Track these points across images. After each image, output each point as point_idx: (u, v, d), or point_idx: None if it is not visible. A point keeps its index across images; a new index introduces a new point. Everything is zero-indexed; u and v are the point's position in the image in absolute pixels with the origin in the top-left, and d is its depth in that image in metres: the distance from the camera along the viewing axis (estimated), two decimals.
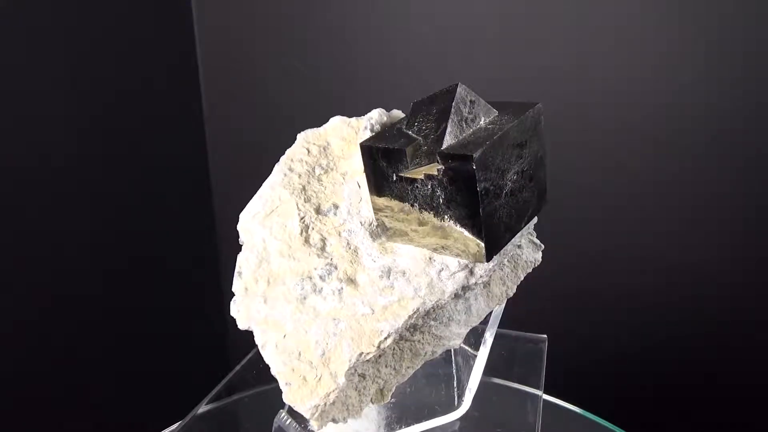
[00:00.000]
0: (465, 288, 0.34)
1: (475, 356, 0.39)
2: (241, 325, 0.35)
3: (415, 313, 0.33)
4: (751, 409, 0.67)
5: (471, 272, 0.34)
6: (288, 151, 0.41)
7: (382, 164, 0.33)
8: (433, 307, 0.33)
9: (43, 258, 0.68)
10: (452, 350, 0.43)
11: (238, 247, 0.37)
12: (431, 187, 0.32)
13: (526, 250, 0.39)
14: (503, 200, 0.32)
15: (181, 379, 0.75)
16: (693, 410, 0.69)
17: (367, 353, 0.32)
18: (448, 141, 0.31)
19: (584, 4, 0.62)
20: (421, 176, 0.32)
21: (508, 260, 0.38)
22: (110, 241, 0.75)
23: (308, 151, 0.40)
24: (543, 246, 0.40)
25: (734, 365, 0.66)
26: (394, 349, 0.35)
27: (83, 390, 0.72)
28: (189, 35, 0.79)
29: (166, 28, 0.79)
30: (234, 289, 0.37)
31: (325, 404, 0.32)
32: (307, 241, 0.36)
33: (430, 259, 0.34)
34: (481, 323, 0.40)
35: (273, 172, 0.40)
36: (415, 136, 0.33)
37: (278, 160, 0.39)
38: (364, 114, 0.38)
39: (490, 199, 0.31)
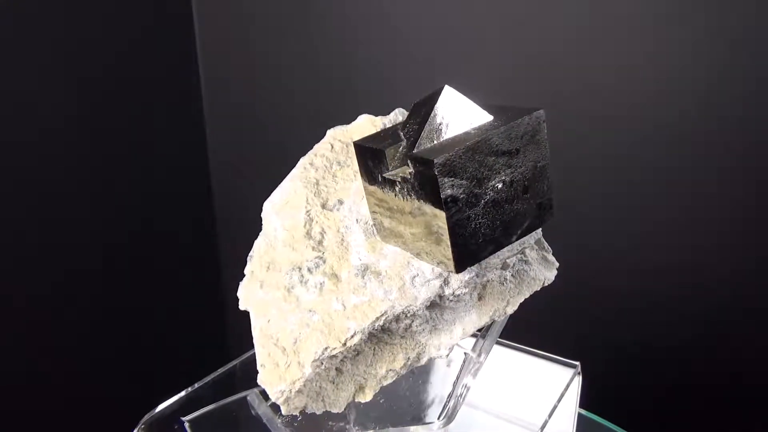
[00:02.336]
0: (442, 297, 0.33)
1: (477, 369, 0.38)
2: (241, 306, 0.38)
3: (383, 315, 0.32)
4: (753, 411, 0.63)
5: (446, 282, 0.33)
6: (316, 146, 0.42)
7: (370, 164, 0.33)
8: (404, 313, 0.33)
9: (44, 257, 0.68)
10: (464, 360, 0.41)
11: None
12: (407, 190, 0.31)
13: (535, 266, 0.37)
14: (481, 210, 0.30)
15: (180, 376, 0.77)
16: (694, 411, 0.66)
17: (333, 348, 0.32)
18: (421, 144, 0.30)
19: (586, 4, 0.60)
20: (399, 178, 0.31)
21: (512, 275, 0.36)
22: (110, 240, 0.75)
23: (332, 147, 0.41)
24: (558, 264, 0.37)
25: (737, 366, 0.62)
26: (374, 349, 0.35)
27: (85, 388, 0.74)
28: (189, 35, 0.78)
29: (166, 28, 0.78)
30: (245, 271, 0.39)
31: (291, 391, 0.33)
32: (308, 233, 0.37)
33: (407, 263, 0.33)
34: (485, 336, 0.38)
35: (297, 165, 0.41)
36: (403, 137, 0.32)
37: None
38: (363, 114, 0.39)
39: (460, 207, 0.30)
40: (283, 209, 0.39)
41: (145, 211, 0.79)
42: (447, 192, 0.29)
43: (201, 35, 0.78)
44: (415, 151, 0.30)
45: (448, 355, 0.36)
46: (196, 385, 0.40)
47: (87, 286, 0.74)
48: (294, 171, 0.41)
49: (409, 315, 0.33)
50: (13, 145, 0.65)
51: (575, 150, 0.64)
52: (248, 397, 0.36)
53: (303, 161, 0.41)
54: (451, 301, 0.34)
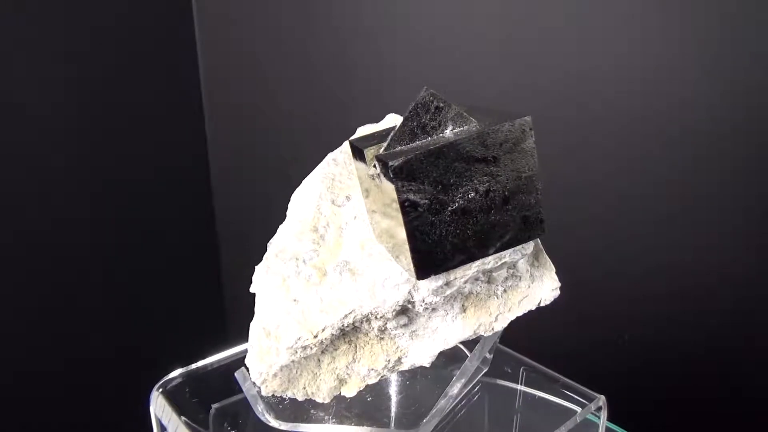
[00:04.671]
0: (413, 303, 0.32)
1: (465, 381, 0.36)
2: (251, 288, 0.40)
3: (351, 313, 0.33)
4: (755, 412, 0.62)
5: (416, 288, 0.32)
6: (345, 142, 0.43)
7: (360, 162, 0.33)
8: (372, 313, 0.33)
9: (46, 257, 0.70)
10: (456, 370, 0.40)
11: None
12: None
13: (531, 284, 0.34)
14: (448, 218, 0.29)
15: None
16: (694, 411, 0.65)
17: (306, 339, 0.33)
18: (391, 147, 0.30)
19: (586, 5, 0.59)
20: (375, 179, 0.31)
21: (504, 290, 0.34)
22: (111, 240, 0.75)
23: None
24: (559, 284, 0.34)
25: (740, 367, 0.61)
26: (355, 347, 0.36)
27: (89, 387, 0.76)
28: (189, 35, 0.77)
29: (167, 29, 0.77)
30: (264, 256, 0.42)
31: (268, 374, 0.35)
32: (315, 227, 0.39)
33: (385, 265, 0.33)
34: (476, 347, 0.37)
35: (324, 159, 0.43)
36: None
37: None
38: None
39: (421, 213, 0.29)
40: (301, 201, 0.41)
41: (146, 210, 0.80)
42: (405, 196, 0.28)
43: (201, 35, 0.79)
44: (382, 152, 0.30)
45: (428, 364, 0.35)
46: (210, 360, 0.43)
47: (87, 285, 0.75)
48: (320, 164, 0.42)
49: (378, 317, 0.33)
50: (16, 146, 0.65)
51: (585, 157, 0.63)
52: (236, 374, 0.38)
53: (329, 156, 0.42)
54: (427, 309, 0.33)
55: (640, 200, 0.61)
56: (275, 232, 0.39)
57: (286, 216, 0.40)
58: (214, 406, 0.43)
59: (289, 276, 0.37)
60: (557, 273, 0.35)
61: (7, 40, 0.63)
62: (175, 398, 0.40)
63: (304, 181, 0.43)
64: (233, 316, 0.88)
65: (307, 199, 0.41)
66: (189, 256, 0.87)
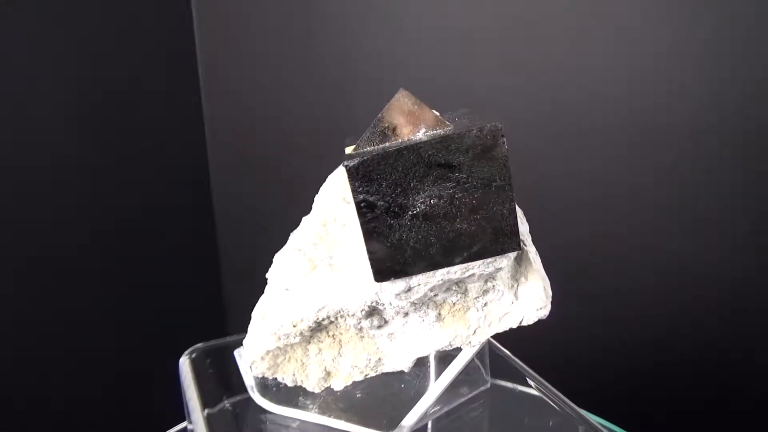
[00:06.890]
0: (382, 305, 0.32)
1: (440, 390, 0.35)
2: (266, 274, 0.42)
3: (324, 307, 0.33)
4: (753, 409, 0.62)
5: (382, 290, 0.31)
6: None
7: None
8: (343, 310, 0.33)
9: (45, 258, 0.69)
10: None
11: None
12: None
13: (516, 301, 0.32)
14: (408, 222, 0.29)
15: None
16: (693, 410, 0.65)
17: (286, 327, 0.35)
18: (359, 147, 0.30)
19: (584, 4, 0.59)
20: None
21: (484, 304, 0.33)
22: (110, 240, 0.74)
23: None
24: (547, 306, 0.32)
25: (736, 366, 0.62)
26: (340, 342, 0.36)
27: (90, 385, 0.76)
28: (189, 35, 0.75)
29: (167, 29, 0.75)
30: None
31: (257, 356, 0.36)
32: (324, 222, 0.40)
33: (361, 264, 0.33)
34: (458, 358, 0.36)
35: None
36: None
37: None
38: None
39: (378, 215, 0.29)
40: (321, 195, 0.42)
41: (146, 211, 0.79)
42: (360, 197, 0.28)
43: (201, 35, 0.78)
44: (352, 152, 0.30)
45: (408, 368, 0.35)
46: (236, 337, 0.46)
47: (86, 285, 0.74)
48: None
49: (349, 314, 0.33)
50: (17, 145, 0.65)
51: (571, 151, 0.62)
52: (234, 353, 0.41)
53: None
54: (398, 312, 0.32)
55: (642, 203, 0.61)
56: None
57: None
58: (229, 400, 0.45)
59: (290, 266, 0.38)
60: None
61: (8, 41, 0.64)
62: (196, 368, 0.44)
63: (329, 176, 0.44)
64: (233, 315, 0.90)
65: (326, 194, 0.42)
66: (189, 255, 0.87)
